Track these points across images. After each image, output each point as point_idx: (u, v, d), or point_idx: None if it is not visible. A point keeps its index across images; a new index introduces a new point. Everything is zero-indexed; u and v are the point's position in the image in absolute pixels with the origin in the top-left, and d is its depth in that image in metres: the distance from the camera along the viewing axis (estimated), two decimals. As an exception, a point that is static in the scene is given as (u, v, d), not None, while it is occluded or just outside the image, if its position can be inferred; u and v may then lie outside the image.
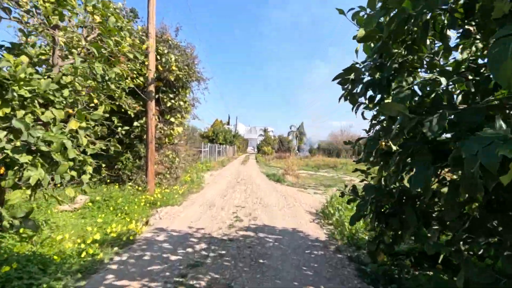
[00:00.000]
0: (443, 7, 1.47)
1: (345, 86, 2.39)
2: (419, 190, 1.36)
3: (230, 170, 18.00)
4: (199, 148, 20.15)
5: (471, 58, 1.86)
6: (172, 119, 7.35)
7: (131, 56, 4.55)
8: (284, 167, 21.31)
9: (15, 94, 2.74)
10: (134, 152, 7.38)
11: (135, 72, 6.66)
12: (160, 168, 7.83)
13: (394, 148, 1.91)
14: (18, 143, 2.70)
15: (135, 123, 6.68)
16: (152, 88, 6.71)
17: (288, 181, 13.86)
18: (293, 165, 16.21)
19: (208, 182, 12.45)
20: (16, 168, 2.84)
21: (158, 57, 6.90)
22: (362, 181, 2.93)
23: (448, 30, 1.70)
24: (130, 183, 6.75)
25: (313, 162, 26.33)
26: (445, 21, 1.62)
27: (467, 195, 1.29)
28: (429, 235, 1.83)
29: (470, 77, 1.69)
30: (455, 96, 1.76)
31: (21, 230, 3.42)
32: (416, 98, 1.79)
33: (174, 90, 7.29)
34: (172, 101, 7.13)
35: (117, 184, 6.66)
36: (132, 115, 6.66)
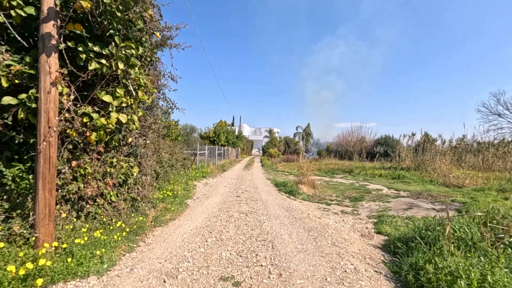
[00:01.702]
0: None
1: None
2: None
3: (230, 177, 14.26)
4: (199, 150, 16.43)
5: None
6: (106, 98, 3.65)
7: None
8: (295, 173, 17.45)
9: None
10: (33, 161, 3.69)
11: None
12: (96, 187, 4.13)
13: None
14: None
15: (6, 99, 2.97)
16: (50, 29, 3.04)
17: (303, 192, 10.07)
18: (308, 171, 12.39)
19: (197, 196, 8.75)
20: None
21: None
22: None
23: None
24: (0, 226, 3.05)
25: (325, 166, 22.41)
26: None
27: None
28: None
29: None
30: None
31: None
32: None
33: (107, 38, 3.58)
34: (103, 61, 3.42)
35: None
36: (6, 84, 2.99)
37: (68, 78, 3.35)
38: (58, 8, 3.11)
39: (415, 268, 3.17)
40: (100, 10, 3.21)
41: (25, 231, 2.95)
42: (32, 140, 3.54)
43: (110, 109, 3.71)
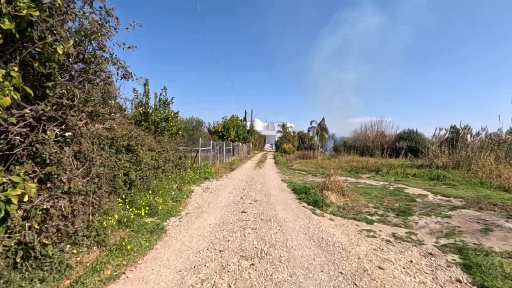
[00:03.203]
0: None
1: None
2: None
3: (238, 179, 11.46)
4: (202, 146, 13.73)
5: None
6: None
7: None
8: (314, 172, 14.35)
9: None
10: None
11: None
12: None
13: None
14: None
15: None
16: None
17: (332, 203, 7.11)
18: (336, 172, 9.32)
19: (188, 211, 6.02)
20: None
21: None
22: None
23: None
24: None
25: (346, 164, 19.16)
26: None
27: None
28: None
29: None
30: None
31: None
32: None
33: None
34: None
35: None
36: None
37: None
38: None
39: None
40: None
41: None
42: None
43: None
